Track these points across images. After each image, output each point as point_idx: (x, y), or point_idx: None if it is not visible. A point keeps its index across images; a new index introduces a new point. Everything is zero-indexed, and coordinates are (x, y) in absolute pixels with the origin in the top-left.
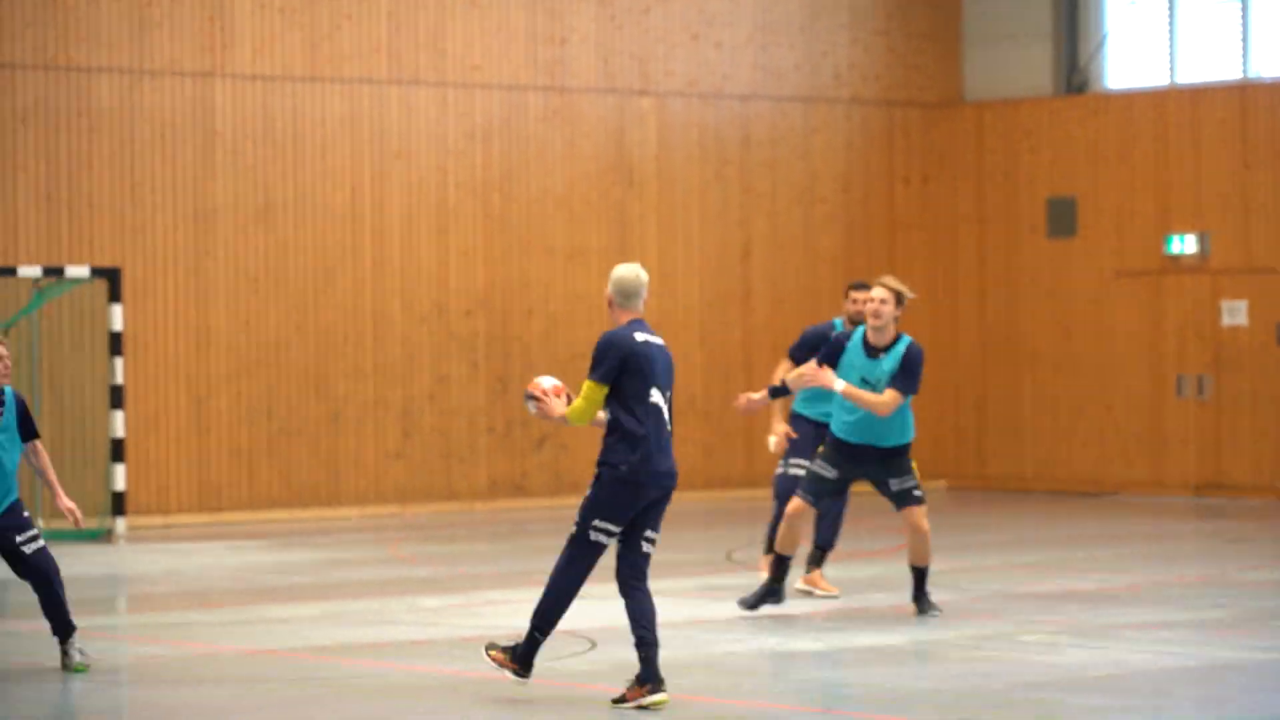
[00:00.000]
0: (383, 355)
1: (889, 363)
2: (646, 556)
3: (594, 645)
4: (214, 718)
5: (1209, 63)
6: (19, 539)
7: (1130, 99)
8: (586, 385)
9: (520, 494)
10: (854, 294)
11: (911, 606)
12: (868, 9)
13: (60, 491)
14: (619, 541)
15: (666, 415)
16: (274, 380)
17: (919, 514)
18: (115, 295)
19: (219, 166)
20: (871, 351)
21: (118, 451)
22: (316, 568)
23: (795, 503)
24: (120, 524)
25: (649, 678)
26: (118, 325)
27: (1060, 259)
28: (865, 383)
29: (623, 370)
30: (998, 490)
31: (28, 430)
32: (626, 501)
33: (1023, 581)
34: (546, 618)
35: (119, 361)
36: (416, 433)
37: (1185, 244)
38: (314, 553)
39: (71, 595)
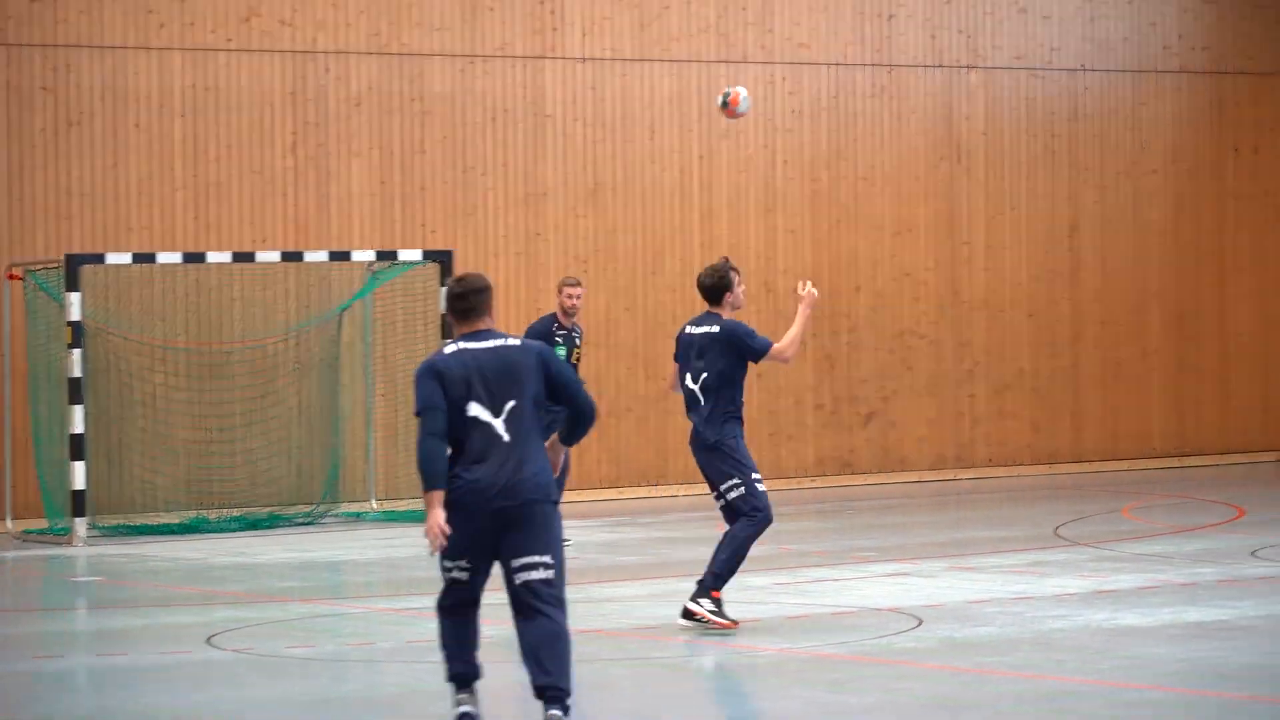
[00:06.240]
0: None
1: None
2: None
3: (920, 623)
4: None
5: None
6: None
7: None
8: None
9: (847, 471)
10: None
11: None
12: None
13: None
14: None
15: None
16: (604, 360)
17: None
18: (447, 278)
19: (549, 149)
20: None
21: None
22: (644, 546)
23: None
24: None
25: None
26: None
27: None
28: None
29: None
30: None
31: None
32: None
33: None
34: None
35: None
36: (745, 411)
37: None
38: (642, 531)
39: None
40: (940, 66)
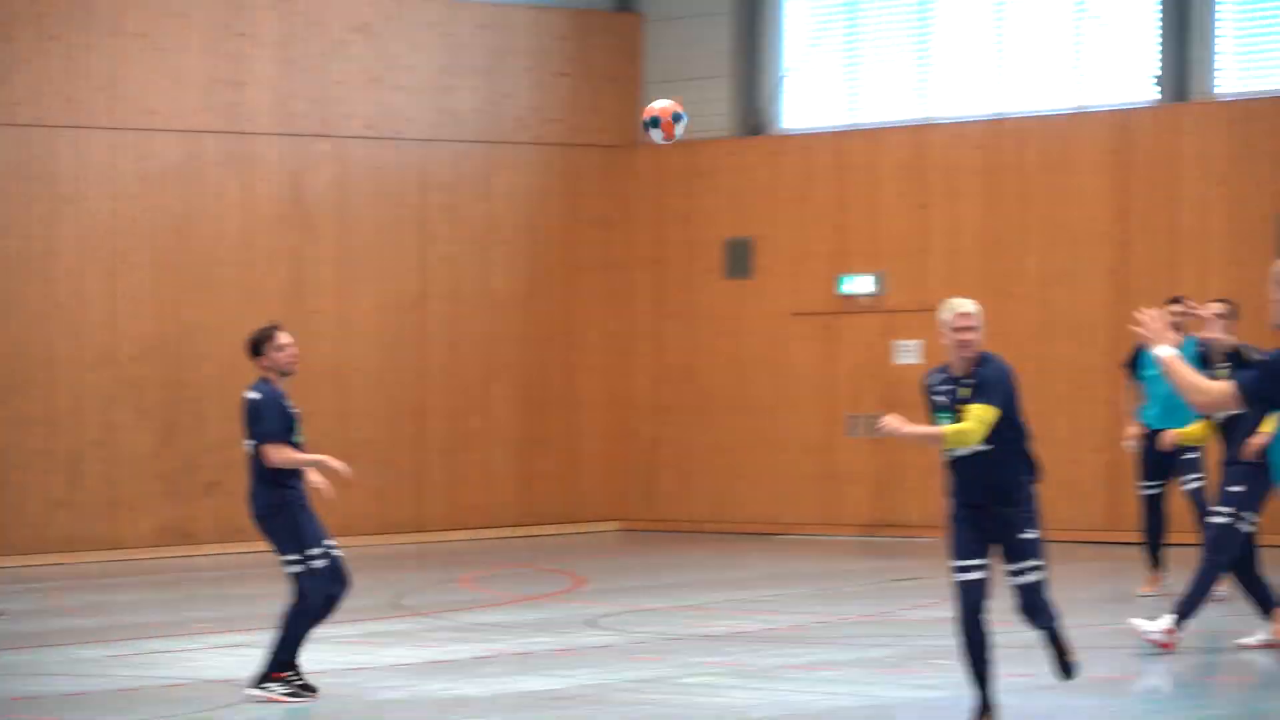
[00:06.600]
0: (51, 403)
1: None
2: None
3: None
4: None
5: (886, 104)
6: None
7: (808, 140)
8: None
9: (188, 541)
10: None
11: None
12: (549, 51)
13: None
14: None
15: None
16: None
17: None
18: None
19: None
20: None
21: None
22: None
23: None
24: None
25: None
26: None
27: (737, 300)
28: None
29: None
30: (670, 531)
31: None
32: None
33: (688, 623)
34: None
35: None
36: (83, 480)
37: (860, 284)
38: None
39: None
40: (290, 135)
